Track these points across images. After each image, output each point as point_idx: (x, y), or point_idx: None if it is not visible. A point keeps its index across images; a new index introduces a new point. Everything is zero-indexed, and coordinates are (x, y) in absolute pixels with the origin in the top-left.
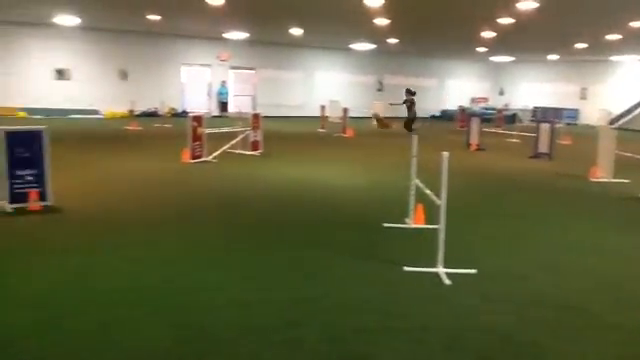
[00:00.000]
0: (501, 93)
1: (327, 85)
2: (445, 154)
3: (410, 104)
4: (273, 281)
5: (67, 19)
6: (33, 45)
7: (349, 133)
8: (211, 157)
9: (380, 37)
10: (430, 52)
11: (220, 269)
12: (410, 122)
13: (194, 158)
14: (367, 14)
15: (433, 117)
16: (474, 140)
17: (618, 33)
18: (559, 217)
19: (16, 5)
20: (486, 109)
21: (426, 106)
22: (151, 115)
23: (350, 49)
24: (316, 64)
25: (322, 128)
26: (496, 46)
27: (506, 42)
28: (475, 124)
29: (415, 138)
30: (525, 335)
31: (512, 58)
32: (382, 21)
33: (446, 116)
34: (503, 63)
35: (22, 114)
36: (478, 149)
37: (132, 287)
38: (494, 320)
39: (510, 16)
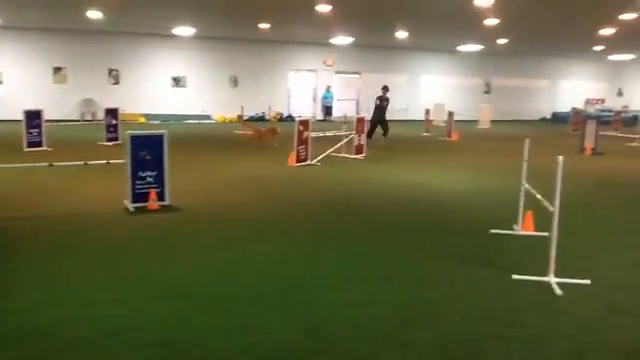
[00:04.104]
0: (620, 94)
1: (432, 88)
2: (560, 158)
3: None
4: (386, 284)
5: (184, 30)
6: (155, 55)
7: (454, 137)
8: (315, 160)
9: (489, 38)
10: (541, 52)
11: (337, 268)
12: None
13: (299, 161)
14: (476, 15)
15: (544, 120)
16: (589, 144)
17: None
18: None
19: (145, 18)
20: (602, 111)
21: (537, 107)
22: (259, 119)
23: (456, 51)
24: (421, 67)
25: (427, 132)
26: (616, 43)
27: (628, 39)
28: (591, 126)
29: (527, 141)
30: None
31: (632, 56)
32: (492, 21)
33: (558, 119)
34: (622, 62)
35: (142, 119)
36: (593, 153)
37: (252, 282)
38: (616, 333)
39: (634, 10)
